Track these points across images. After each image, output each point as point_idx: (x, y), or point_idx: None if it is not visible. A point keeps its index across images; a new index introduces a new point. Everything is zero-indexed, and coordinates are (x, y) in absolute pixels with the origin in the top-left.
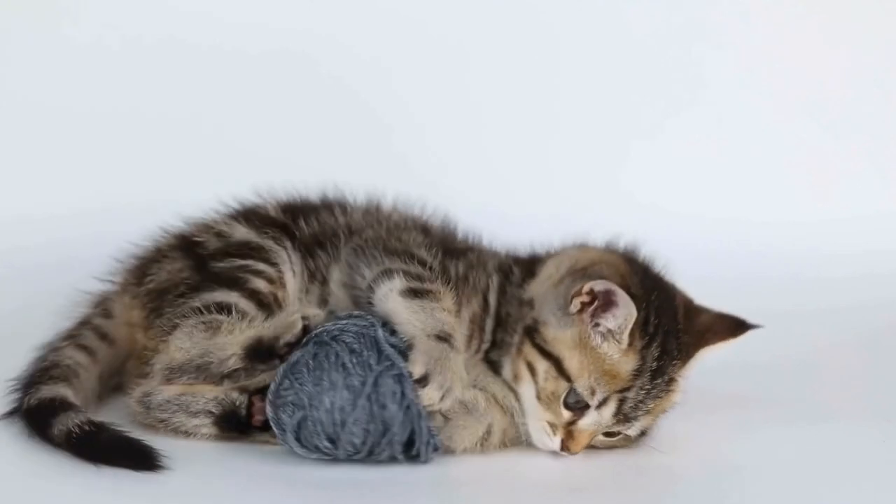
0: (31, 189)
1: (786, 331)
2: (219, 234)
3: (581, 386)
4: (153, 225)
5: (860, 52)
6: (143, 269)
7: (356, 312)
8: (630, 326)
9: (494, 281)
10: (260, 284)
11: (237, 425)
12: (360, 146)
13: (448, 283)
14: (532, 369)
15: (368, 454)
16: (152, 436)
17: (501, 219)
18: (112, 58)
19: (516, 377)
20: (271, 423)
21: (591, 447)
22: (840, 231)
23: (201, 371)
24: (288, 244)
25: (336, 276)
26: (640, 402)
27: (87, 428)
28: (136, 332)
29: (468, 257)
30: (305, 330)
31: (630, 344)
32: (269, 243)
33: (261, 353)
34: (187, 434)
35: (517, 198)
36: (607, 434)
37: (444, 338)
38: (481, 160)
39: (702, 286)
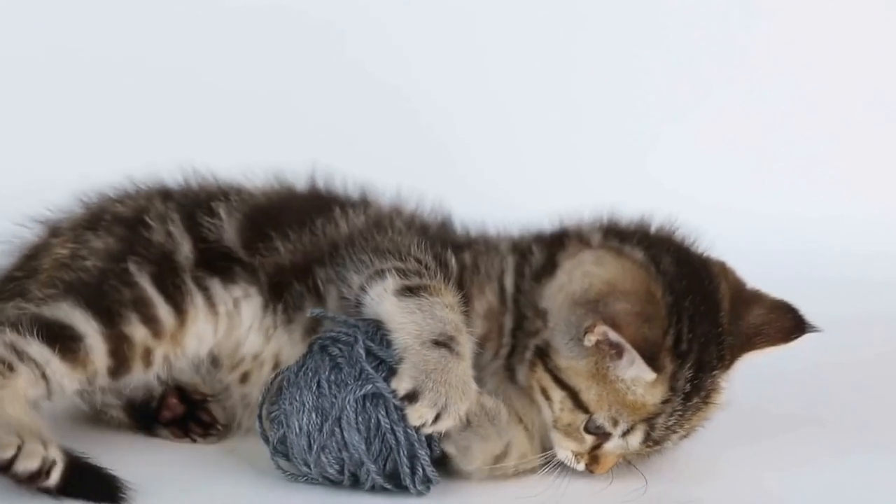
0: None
1: (840, 338)
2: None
3: (601, 418)
4: None
5: None
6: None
7: (353, 320)
8: (645, 381)
9: (510, 263)
10: (137, 332)
11: (143, 416)
12: (368, 128)
13: (449, 278)
14: (546, 395)
15: (353, 483)
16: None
17: (523, 210)
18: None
19: (531, 390)
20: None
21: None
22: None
23: None
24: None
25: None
26: (672, 425)
27: None
28: None
29: (476, 246)
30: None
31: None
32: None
33: None
34: (98, 411)
35: (540, 187)
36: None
37: (443, 342)
38: (501, 146)
39: None
